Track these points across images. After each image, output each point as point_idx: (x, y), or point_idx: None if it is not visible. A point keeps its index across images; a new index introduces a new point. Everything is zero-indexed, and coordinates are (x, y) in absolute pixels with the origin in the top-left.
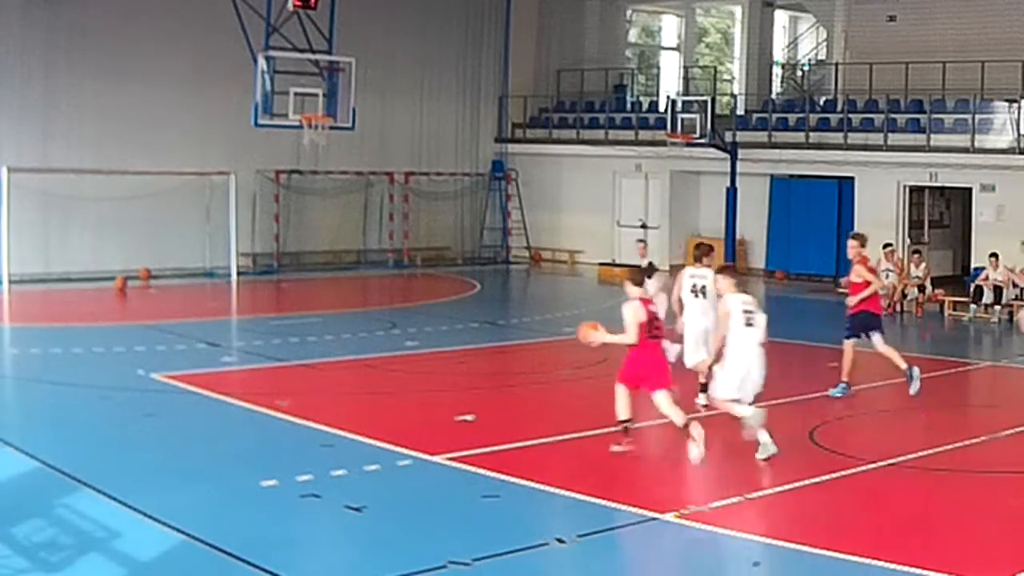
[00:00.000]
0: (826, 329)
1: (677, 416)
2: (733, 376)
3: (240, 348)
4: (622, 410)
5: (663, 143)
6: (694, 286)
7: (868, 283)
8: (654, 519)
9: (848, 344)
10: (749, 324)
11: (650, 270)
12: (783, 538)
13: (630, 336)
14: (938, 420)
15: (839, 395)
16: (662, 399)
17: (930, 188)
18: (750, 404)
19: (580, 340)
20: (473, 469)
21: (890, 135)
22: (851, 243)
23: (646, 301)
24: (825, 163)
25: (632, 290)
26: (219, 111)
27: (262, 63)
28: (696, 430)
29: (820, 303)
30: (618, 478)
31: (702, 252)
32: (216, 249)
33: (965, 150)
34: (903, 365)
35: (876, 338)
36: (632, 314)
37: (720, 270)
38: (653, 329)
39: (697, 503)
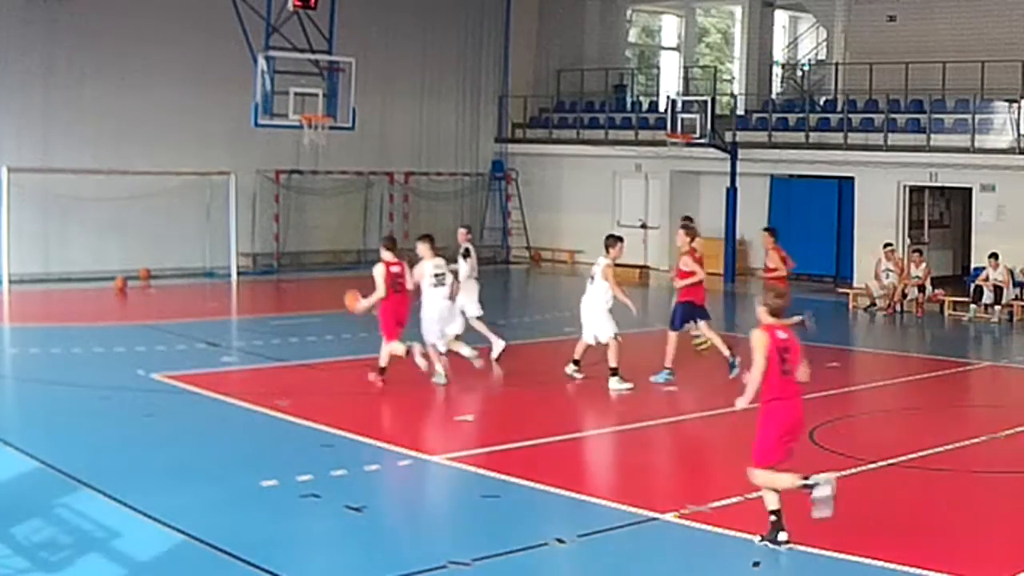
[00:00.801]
0: (826, 329)
1: (399, 349)
2: (431, 324)
3: (240, 348)
4: (383, 358)
5: (663, 143)
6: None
7: (694, 272)
8: (654, 519)
9: (672, 335)
10: (439, 284)
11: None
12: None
13: (380, 291)
14: (938, 420)
15: (662, 381)
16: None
17: (930, 188)
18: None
19: (349, 308)
20: (473, 469)
21: (890, 135)
22: (680, 232)
23: (390, 263)
24: (825, 163)
25: (384, 254)
26: (219, 111)
27: (262, 63)
28: (422, 359)
29: (820, 303)
30: (618, 478)
31: (608, 244)
32: (216, 249)
33: (965, 150)
34: (726, 352)
35: (703, 324)
36: (378, 272)
37: (420, 238)
38: (396, 285)
39: (697, 503)
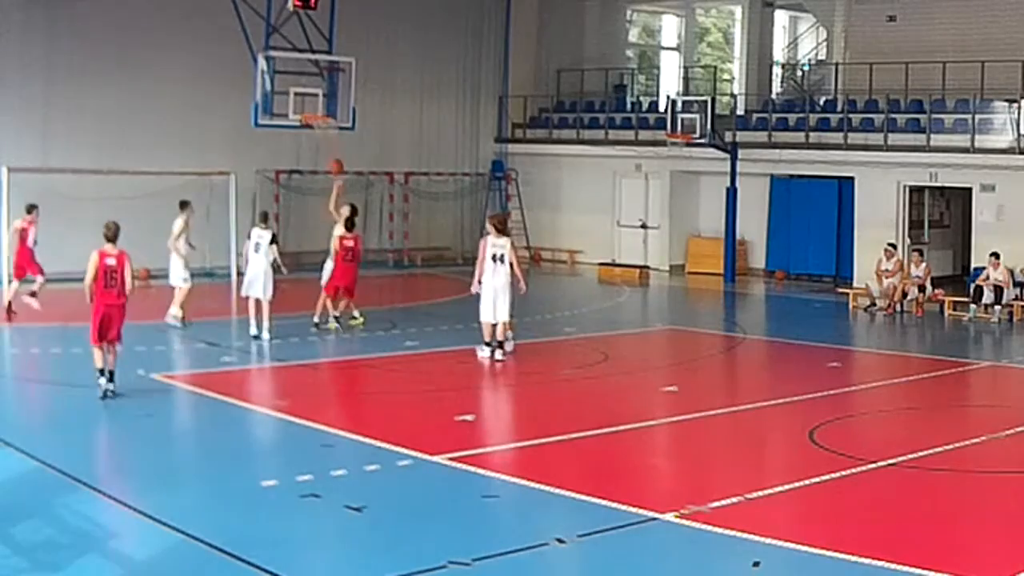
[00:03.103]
0: (826, 329)
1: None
2: (179, 272)
3: (240, 348)
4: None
5: (663, 143)
6: (494, 255)
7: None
8: (654, 519)
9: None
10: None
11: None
12: (783, 538)
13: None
14: (938, 420)
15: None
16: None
17: (930, 188)
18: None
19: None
20: (473, 469)
21: (890, 135)
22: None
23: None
24: (825, 163)
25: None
26: (219, 111)
27: (262, 63)
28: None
29: (820, 303)
30: (618, 478)
31: (502, 224)
32: (216, 249)
33: (965, 150)
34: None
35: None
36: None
37: (183, 203)
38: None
39: (697, 503)
